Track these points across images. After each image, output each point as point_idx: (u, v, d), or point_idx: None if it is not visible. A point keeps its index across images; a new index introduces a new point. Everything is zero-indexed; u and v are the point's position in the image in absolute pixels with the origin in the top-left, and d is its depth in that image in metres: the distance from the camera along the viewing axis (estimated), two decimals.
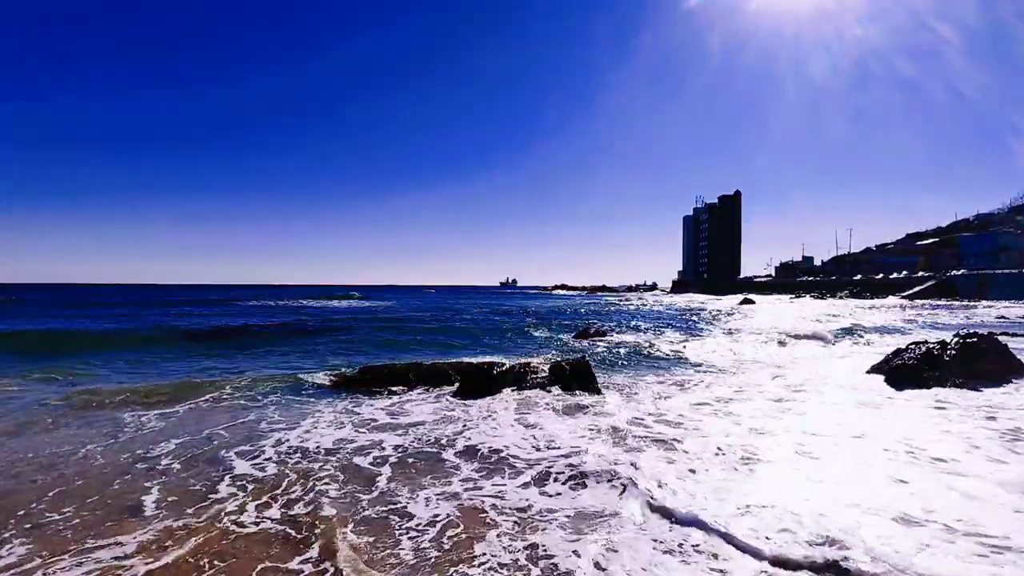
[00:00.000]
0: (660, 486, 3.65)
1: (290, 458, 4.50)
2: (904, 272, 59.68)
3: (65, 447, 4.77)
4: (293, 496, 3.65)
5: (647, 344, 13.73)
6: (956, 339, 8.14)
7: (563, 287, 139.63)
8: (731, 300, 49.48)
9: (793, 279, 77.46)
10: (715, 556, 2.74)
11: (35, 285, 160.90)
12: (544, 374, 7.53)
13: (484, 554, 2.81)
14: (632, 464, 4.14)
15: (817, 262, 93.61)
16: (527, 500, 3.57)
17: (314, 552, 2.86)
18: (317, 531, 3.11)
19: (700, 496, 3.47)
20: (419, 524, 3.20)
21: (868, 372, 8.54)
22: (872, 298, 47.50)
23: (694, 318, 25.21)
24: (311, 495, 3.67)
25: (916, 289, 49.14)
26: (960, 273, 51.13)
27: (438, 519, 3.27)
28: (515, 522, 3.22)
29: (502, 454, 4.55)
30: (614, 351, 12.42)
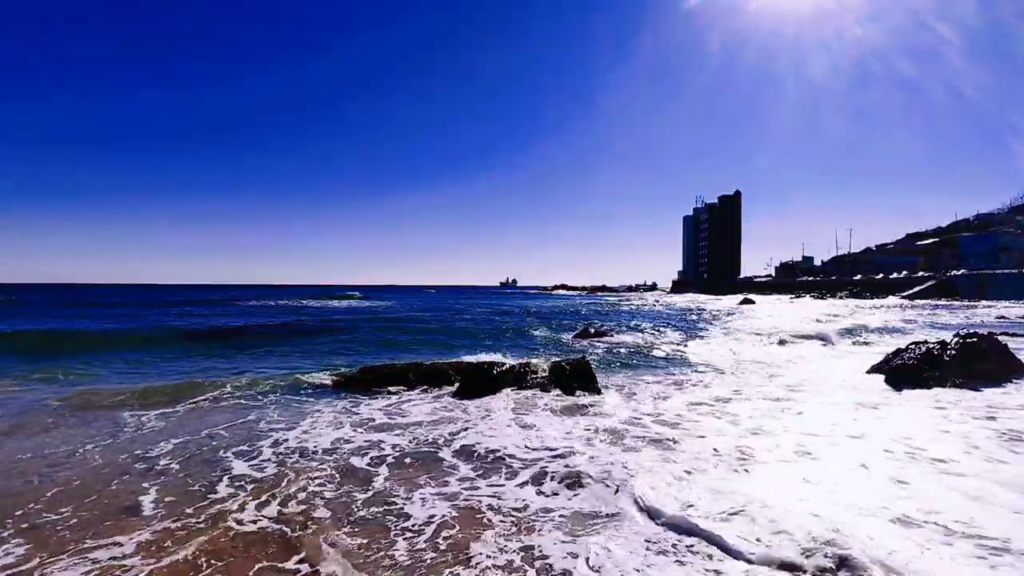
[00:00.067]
0: (656, 487, 3.65)
1: (288, 458, 4.50)
2: (904, 272, 59.65)
3: (64, 447, 4.77)
4: (291, 496, 3.65)
5: (647, 344, 13.73)
6: (956, 339, 8.13)
7: (563, 287, 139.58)
8: (731, 300, 49.47)
9: (793, 279, 77.43)
10: (710, 557, 2.73)
11: (35, 285, 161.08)
12: (544, 374, 7.53)
13: (480, 554, 2.81)
14: (629, 465, 4.14)
15: (817, 262, 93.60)
16: (524, 500, 3.56)
17: (307, 553, 2.86)
18: (310, 531, 3.11)
19: (696, 497, 3.47)
20: (415, 524, 3.20)
21: (868, 372, 8.54)
22: (872, 298, 47.47)
23: (694, 318, 25.20)
24: (308, 495, 3.67)
25: (916, 289, 49.11)
26: (960, 273, 51.09)
27: (434, 519, 3.26)
28: (512, 522, 3.22)
29: (500, 454, 4.55)
30: (614, 351, 12.42)
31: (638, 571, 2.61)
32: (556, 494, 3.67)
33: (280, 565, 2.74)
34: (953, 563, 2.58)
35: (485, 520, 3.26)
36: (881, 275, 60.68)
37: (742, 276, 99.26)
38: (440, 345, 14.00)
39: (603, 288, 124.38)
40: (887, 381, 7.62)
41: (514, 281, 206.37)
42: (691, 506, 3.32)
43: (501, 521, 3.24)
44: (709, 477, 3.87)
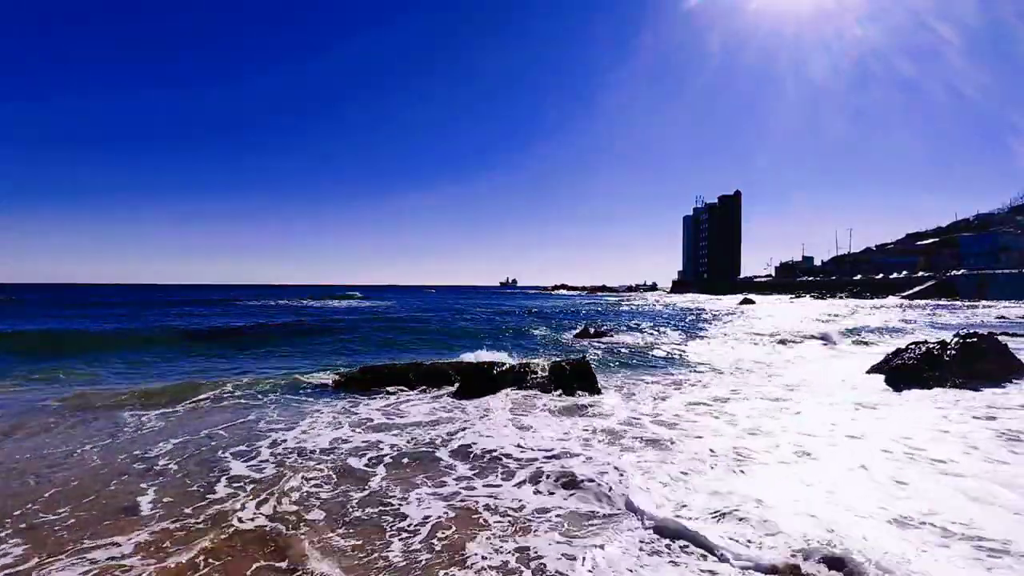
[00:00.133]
0: (652, 488, 3.65)
1: (287, 458, 4.50)
2: (904, 272, 59.66)
3: (63, 447, 4.78)
4: (288, 496, 3.65)
5: (647, 344, 13.73)
6: (956, 339, 8.12)
7: (563, 287, 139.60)
8: (731, 300, 49.46)
9: (793, 279, 77.45)
10: (704, 557, 2.73)
11: (35, 285, 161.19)
12: (544, 374, 7.53)
13: (475, 555, 2.81)
14: (625, 466, 4.13)
15: (817, 262, 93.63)
16: (520, 501, 3.56)
17: (302, 553, 2.86)
18: (304, 532, 3.11)
19: (692, 498, 3.47)
20: (410, 525, 3.20)
21: (868, 372, 8.54)
22: (872, 298, 47.45)
23: (694, 318, 25.20)
24: (304, 495, 3.67)
25: (916, 289, 49.10)
26: (960, 273, 51.08)
27: (429, 520, 3.27)
28: (508, 523, 3.22)
29: (497, 454, 4.55)
30: (614, 351, 12.42)
31: (633, 572, 2.61)
32: (552, 494, 3.67)
33: (277, 565, 2.74)
34: (950, 564, 2.58)
35: (481, 521, 3.26)
36: (881, 275, 60.68)
37: (742, 276, 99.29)
38: (440, 345, 14.01)
39: (603, 288, 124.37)
40: (887, 381, 7.62)
41: (514, 281, 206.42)
42: (684, 507, 3.32)
43: (497, 522, 3.24)
44: (705, 478, 3.87)
